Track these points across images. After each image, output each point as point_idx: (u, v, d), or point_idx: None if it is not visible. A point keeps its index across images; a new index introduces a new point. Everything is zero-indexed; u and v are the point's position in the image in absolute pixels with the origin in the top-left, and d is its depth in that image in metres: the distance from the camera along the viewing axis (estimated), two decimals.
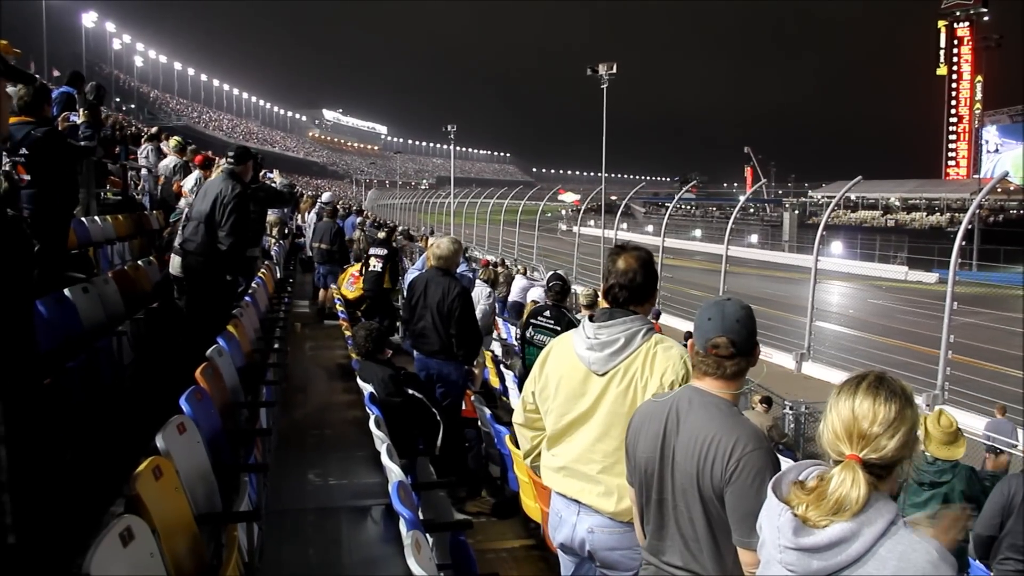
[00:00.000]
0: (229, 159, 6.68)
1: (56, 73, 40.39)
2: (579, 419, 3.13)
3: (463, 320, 6.47)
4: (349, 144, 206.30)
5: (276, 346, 7.24)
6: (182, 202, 9.04)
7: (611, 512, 3.05)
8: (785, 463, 2.21)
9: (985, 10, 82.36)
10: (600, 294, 3.24)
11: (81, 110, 9.30)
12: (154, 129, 16.52)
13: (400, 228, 30.10)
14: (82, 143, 8.65)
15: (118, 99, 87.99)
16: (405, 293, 8.97)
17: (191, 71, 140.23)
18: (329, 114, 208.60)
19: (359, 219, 15.99)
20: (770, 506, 1.93)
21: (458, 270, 7.00)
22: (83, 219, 8.36)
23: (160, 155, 13.24)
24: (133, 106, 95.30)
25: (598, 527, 3.08)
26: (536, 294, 14.32)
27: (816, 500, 1.82)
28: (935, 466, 5.38)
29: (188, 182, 9.35)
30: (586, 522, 3.11)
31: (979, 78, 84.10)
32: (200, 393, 3.87)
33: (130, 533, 2.30)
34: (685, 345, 2.79)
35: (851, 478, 1.79)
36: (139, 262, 8.09)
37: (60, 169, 5.49)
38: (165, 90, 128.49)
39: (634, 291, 3.11)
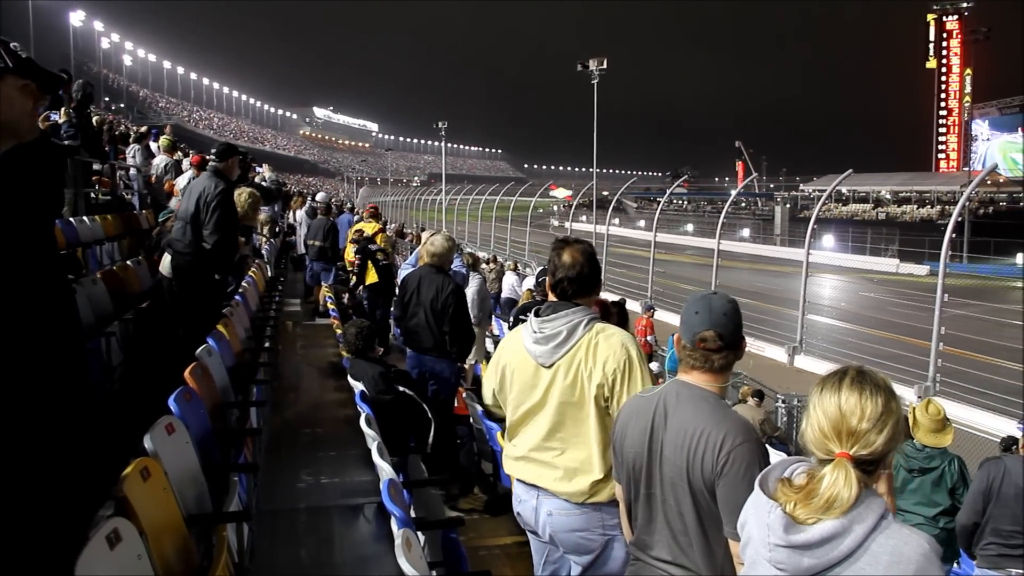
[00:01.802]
0: (212, 156, 6.62)
1: None
2: (532, 410, 3.25)
3: (457, 318, 6.47)
4: (340, 142, 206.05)
5: (267, 345, 7.22)
6: (173, 201, 9.01)
7: (567, 493, 3.14)
8: (777, 456, 2.20)
9: (966, 5, 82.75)
10: (547, 287, 3.34)
11: (62, 109, 9.25)
12: (143, 128, 16.44)
13: (391, 226, 29.99)
14: (65, 143, 8.61)
15: (107, 98, 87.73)
16: (397, 290, 8.95)
17: (180, 70, 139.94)
18: (320, 112, 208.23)
19: (355, 217, 16.01)
20: (758, 503, 1.91)
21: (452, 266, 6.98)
22: (71, 219, 8.32)
23: (149, 154, 13.22)
24: (122, 105, 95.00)
25: (556, 510, 3.18)
26: (532, 283, 14.36)
27: (805, 498, 1.80)
28: (924, 452, 5.44)
29: (181, 181, 9.31)
30: (545, 506, 3.22)
31: (968, 71, 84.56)
32: (189, 393, 3.86)
33: (117, 536, 2.29)
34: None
35: (844, 477, 1.77)
36: (128, 262, 8.06)
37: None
38: (155, 89, 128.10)
39: (581, 283, 3.24)
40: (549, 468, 3.19)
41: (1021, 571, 4.69)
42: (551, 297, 3.31)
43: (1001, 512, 4.75)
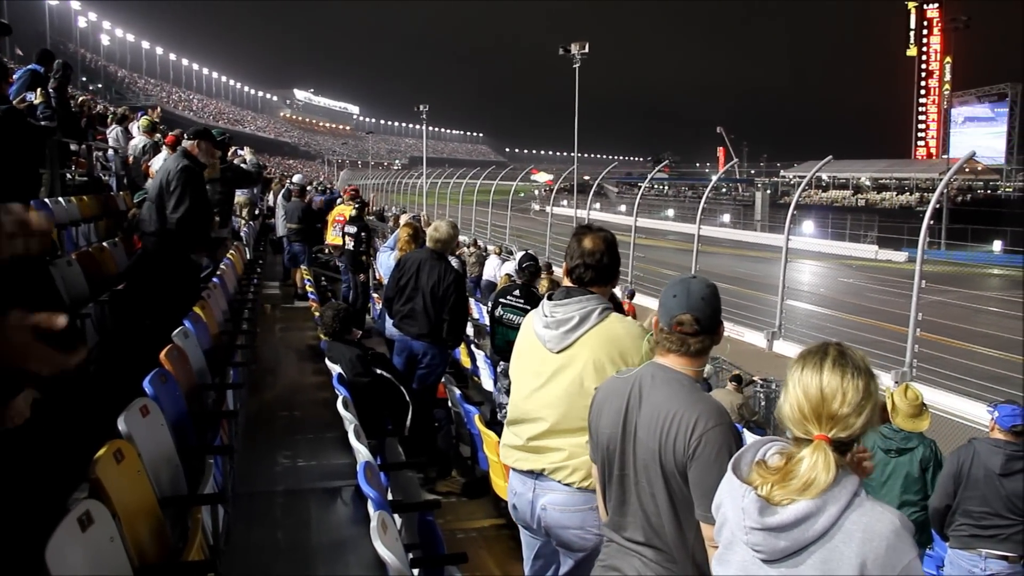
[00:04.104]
0: (188, 137, 6.57)
1: (19, 52, 39.62)
2: (537, 396, 3.16)
3: (457, 306, 6.45)
4: (321, 124, 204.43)
5: (245, 327, 7.19)
6: (149, 182, 8.94)
7: (567, 479, 3.07)
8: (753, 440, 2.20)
9: None
10: (563, 272, 3.25)
11: (38, 90, 9.11)
12: (122, 109, 16.22)
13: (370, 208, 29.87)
14: (41, 123, 8.50)
15: (84, 78, 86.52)
16: (381, 271, 8.93)
17: (159, 50, 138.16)
18: (300, 94, 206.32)
19: (338, 200, 16.00)
20: (732, 487, 1.91)
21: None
22: (47, 200, 8.23)
23: (128, 136, 13.08)
24: (100, 85, 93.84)
25: (551, 505, 3.11)
26: (510, 268, 14.35)
27: (782, 479, 1.80)
28: (901, 434, 5.48)
29: (156, 162, 9.22)
30: (541, 499, 3.14)
31: (948, 59, 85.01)
32: (164, 375, 3.84)
33: (89, 518, 2.27)
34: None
35: (823, 460, 1.77)
36: (104, 244, 7.98)
37: (20, 150, 5.37)
38: (133, 69, 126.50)
39: (599, 271, 3.15)
40: (550, 452, 3.11)
41: (991, 551, 4.81)
42: (566, 282, 3.22)
43: (971, 494, 4.87)
